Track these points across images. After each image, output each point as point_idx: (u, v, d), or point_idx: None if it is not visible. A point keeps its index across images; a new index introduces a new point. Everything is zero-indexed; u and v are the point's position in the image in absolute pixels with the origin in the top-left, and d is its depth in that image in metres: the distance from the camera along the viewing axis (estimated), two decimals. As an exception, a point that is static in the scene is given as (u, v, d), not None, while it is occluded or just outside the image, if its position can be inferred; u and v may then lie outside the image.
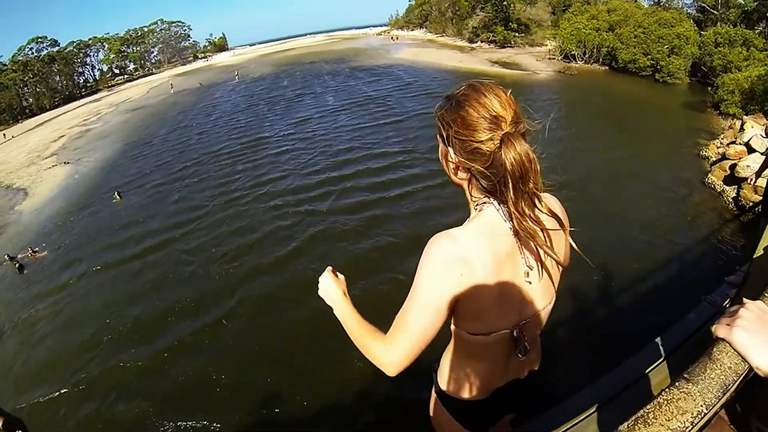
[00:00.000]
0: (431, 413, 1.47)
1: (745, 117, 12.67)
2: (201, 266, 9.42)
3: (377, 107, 21.23)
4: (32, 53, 56.81)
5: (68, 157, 24.27)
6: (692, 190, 10.31)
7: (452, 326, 1.17)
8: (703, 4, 27.82)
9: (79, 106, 47.43)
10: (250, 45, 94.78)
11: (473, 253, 1.00)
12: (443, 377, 1.34)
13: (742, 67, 17.28)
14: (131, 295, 8.88)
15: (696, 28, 23.30)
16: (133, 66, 69.39)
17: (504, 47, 34.67)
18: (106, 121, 33.92)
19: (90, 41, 64.40)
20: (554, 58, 28.43)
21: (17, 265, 11.58)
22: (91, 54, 65.11)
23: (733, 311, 0.80)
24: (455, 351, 1.27)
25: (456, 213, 7.08)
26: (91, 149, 24.78)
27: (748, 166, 9.23)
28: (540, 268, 1.09)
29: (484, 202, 1.05)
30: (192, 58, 74.45)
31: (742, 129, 11.12)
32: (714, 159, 11.02)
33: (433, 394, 1.43)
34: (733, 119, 13.85)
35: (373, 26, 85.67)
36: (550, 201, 1.13)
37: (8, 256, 12.10)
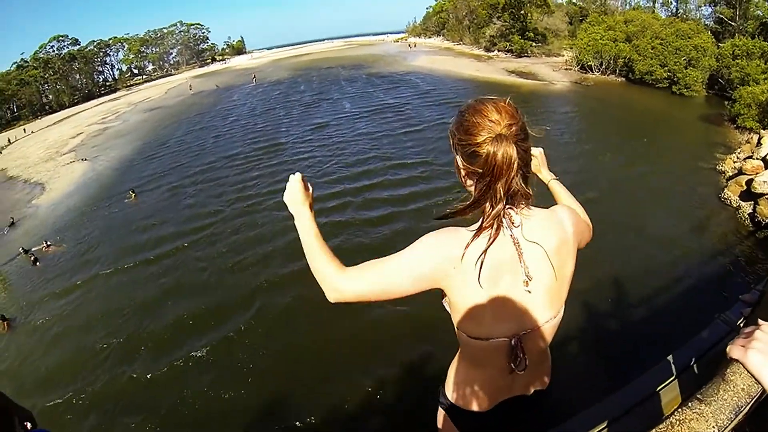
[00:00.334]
0: (439, 425, 1.50)
1: (762, 131, 12.51)
2: (214, 274, 9.32)
3: (395, 115, 21.18)
4: (53, 51, 57.78)
5: (86, 154, 24.69)
6: (708, 205, 10.18)
7: (456, 329, 1.18)
8: (721, 16, 27.45)
9: (98, 105, 48.35)
10: (268, 49, 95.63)
11: (471, 254, 1.04)
12: (449, 386, 1.37)
13: (760, 80, 16.96)
14: (143, 301, 8.82)
15: (713, 39, 23.00)
16: (152, 66, 70.29)
17: (521, 57, 34.61)
18: (124, 120, 34.43)
19: (110, 41, 65.36)
20: (571, 69, 28.27)
21: (32, 258, 11.84)
22: (111, 54, 66.04)
23: (748, 332, 0.78)
24: (460, 359, 1.32)
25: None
26: (109, 147, 25.17)
27: (765, 181, 9.09)
28: (542, 278, 1.10)
29: (475, 205, 1.08)
30: (210, 60, 75.26)
31: (759, 143, 10.97)
32: (730, 174, 10.86)
33: (440, 408, 1.45)
34: (750, 133, 13.67)
35: (391, 33, 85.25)
36: (557, 214, 1.16)
37: (23, 249, 12.40)
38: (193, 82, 47.17)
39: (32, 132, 38.56)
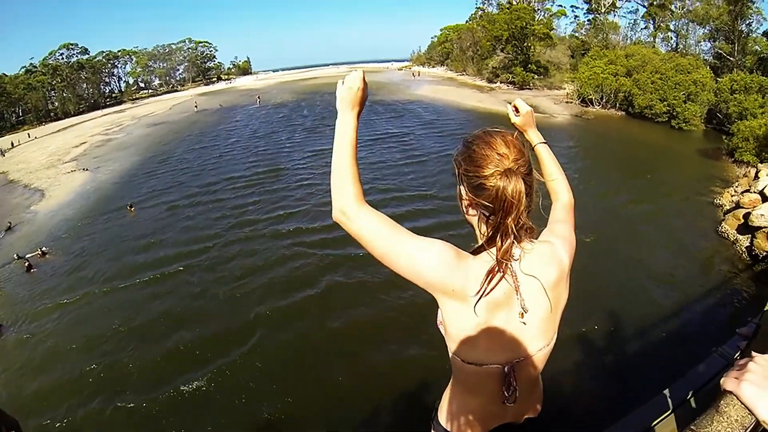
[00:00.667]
0: None
1: (759, 165, 12.68)
2: (210, 302, 9.06)
3: (397, 145, 21.28)
4: (63, 58, 58.35)
5: (88, 164, 24.85)
6: (706, 238, 10.26)
7: (449, 353, 1.18)
8: (720, 51, 28.17)
9: (102, 115, 48.73)
10: (273, 71, 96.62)
11: (472, 284, 1.06)
12: (443, 412, 1.37)
13: (757, 114, 17.31)
14: (135, 325, 8.57)
15: (712, 74, 23.57)
16: (158, 81, 70.96)
17: (522, 89, 35.26)
18: (127, 132, 34.69)
19: (119, 53, 66.02)
20: (572, 102, 28.78)
21: (26, 264, 11.85)
22: (119, 66, 66.71)
23: (742, 364, 0.78)
24: (453, 386, 1.32)
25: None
26: (111, 159, 25.32)
27: (762, 215, 9.15)
28: (538, 310, 1.12)
29: (490, 243, 1.09)
30: (216, 78, 76.23)
31: (756, 177, 11.10)
32: (728, 207, 10.97)
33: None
34: (747, 167, 13.86)
35: (395, 61, 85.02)
36: (555, 247, 1.19)
37: (17, 255, 12.41)
38: (198, 100, 47.61)
39: (36, 137, 38.81)
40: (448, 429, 1.34)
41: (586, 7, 41.49)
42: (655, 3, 35.39)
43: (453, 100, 33.67)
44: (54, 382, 7.30)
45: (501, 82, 38.72)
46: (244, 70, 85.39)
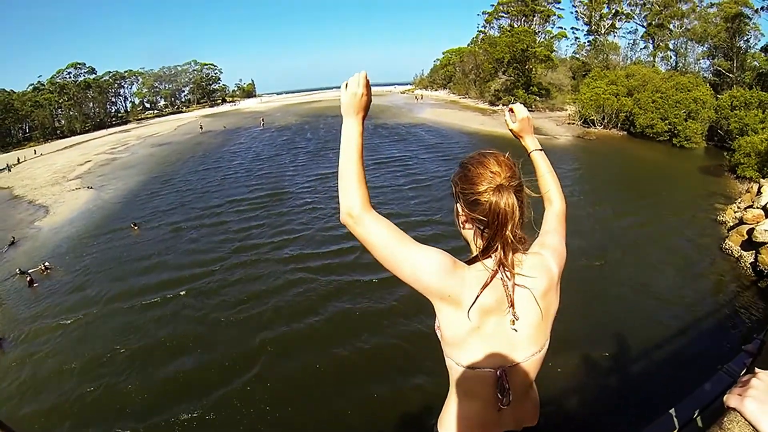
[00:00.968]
0: None
1: (762, 180, 12.68)
2: (213, 328, 8.92)
3: (401, 169, 21.34)
4: (70, 77, 59.34)
5: (92, 182, 25.02)
6: (710, 255, 10.22)
7: (444, 356, 1.24)
8: (719, 68, 28.42)
9: (108, 134, 49.38)
10: (277, 93, 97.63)
11: (468, 293, 1.13)
12: (442, 421, 1.39)
13: (758, 130, 17.34)
14: (136, 349, 8.45)
15: (712, 91, 23.79)
16: (164, 102, 72.02)
17: (524, 111, 35.42)
18: (132, 152, 35.01)
19: (126, 73, 67.18)
20: (574, 123, 28.99)
21: (28, 279, 11.87)
22: (125, 86, 67.89)
23: (745, 380, 0.78)
24: (451, 395, 1.35)
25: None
26: (115, 178, 25.53)
27: (766, 230, 9.11)
28: (529, 318, 1.19)
29: (485, 254, 1.18)
30: (220, 101, 77.20)
31: (759, 192, 11.09)
32: (731, 224, 10.94)
33: None
34: (750, 182, 13.87)
35: (398, 84, 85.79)
36: (545, 258, 1.26)
37: (20, 270, 12.48)
38: (203, 122, 48.09)
39: (41, 154, 39.22)
40: None
41: (586, 28, 42.53)
42: (654, 23, 36.02)
43: (456, 123, 34.03)
44: (53, 402, 7.22)
45: (503, 105, 39.01)
46: (249, 92, 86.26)
